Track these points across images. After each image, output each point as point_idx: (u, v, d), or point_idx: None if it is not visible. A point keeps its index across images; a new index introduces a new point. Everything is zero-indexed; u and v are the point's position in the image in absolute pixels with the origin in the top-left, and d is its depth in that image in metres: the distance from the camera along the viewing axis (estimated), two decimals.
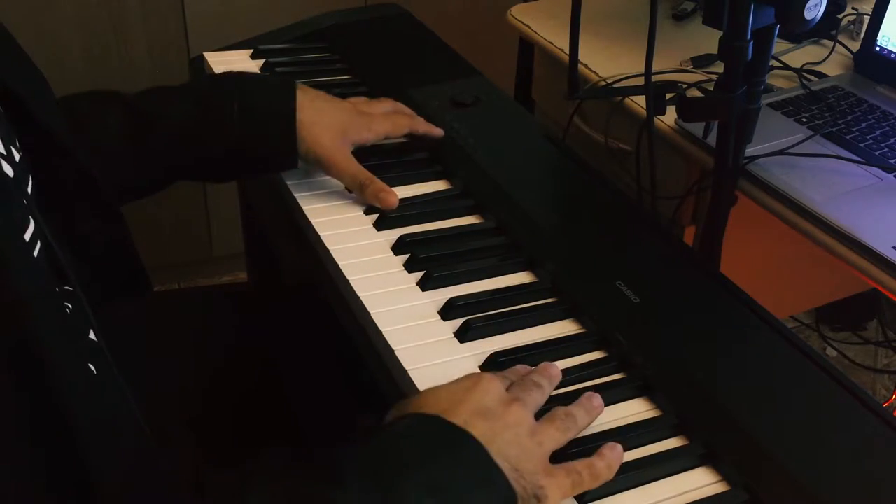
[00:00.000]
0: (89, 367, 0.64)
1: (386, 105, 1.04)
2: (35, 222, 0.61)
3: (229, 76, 1.00)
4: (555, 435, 0.66)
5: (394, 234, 0.92)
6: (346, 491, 0.56)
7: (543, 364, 0.74)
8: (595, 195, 1.02)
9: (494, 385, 0.67)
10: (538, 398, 0.69)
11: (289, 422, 0.93)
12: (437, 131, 1.05)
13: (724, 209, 0.99)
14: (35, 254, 0.60)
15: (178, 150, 0.93)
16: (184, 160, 0.94)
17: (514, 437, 0.63)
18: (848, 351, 1.84)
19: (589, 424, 0.71)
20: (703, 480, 0.69)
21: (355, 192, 0.95)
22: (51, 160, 0.75)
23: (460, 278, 0.86)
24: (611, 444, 0.68)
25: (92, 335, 0.68)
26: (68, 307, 0.65)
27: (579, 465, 0.66)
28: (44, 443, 0.55)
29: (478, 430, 0.62)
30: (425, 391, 0.69)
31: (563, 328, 0.83)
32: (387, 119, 1.00)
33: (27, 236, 0.59)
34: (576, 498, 0.66)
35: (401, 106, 1.06)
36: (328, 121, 0.94)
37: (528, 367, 0.74)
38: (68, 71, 1.81)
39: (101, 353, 0.68)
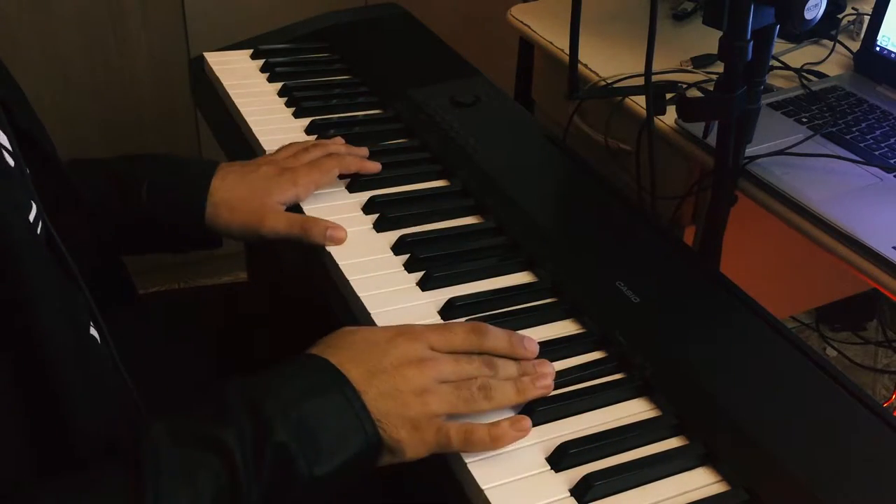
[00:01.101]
0: (92, 363, 0.65)
1: (315, 152, 0.97)
2: (36, 206, 0.63)
3: (153, 157, 0.99)
4: (450, 400, 0.69)
5: (394, 235, 0.92)
6: (227, 428, 0.61)
7: (518, 338, 0.75)
8: (595, 195, 1.02)
9: (406, 346, 0.70)
10: (467, 369, 0.71)
11: None
12: (372, 167, 1.00)
13: (724, 209, 0.99)
14: (38, 233, 0.63)
15: (91, 224, 0.89)
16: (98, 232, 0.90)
17: (391, 390, 0.67)
18: (848, 351, 1.84)
19: (522, 401, 0.72)
20: (703, 480, 0.69)
21: (304, 239, 0.90)
22: (35, 168, 0.75)
23: (460, 278, 0.86)
24: (513, 419, 0.69)
25: (94, 333, 0.68)
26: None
27: (455, 428, 0.68)
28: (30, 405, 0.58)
29: (353, 374, 0.67)
30: (344, 330, 0.72)
31: (563, 328, 0.83)
32: (312, 168, 0.95)
33: (31, 216, 0.62)
34: (575, 497, 0.66)
35: (335, 146, 1.00)
36: (242, 195, 0.92)
37: (498, 334, 0.74)
38: (68, 71, 1.81)
39: (105, 349, 0.69)
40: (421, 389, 0.68)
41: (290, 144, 1.00)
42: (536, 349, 0.76)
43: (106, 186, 0.92)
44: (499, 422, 0.69)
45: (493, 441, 0.68)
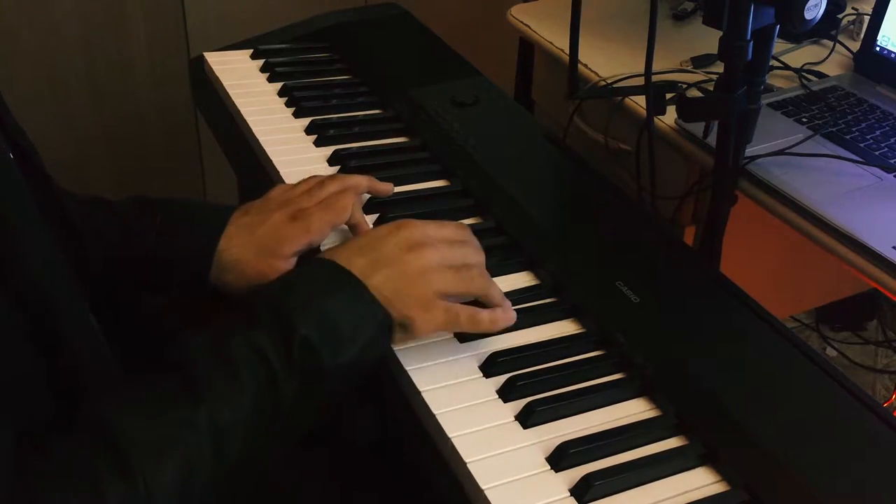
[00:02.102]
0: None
1: (329, 188, 0.90)
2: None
3: (163, 202, 0.93)
4: (451, 279, 0.76)
5: None
6: (259, 331, 0.68)
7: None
8: (595, 195, 1.02)
9: (404, 233, 0.77)
10: (462, 251, 0.79)
11: None
12: (384, 188, 0.96)
13: (724, 209, 0.99)
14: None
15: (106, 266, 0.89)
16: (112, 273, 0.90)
17: (396, 273, 0.74)
18: (848, 351, 1.84)
19: (497, 303, 0.79)
20: (703, 480, 0.69)
21: None
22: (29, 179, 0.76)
23: None
24: (508, 306, 0.79)
25: (93, 320, 0.69)
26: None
27: (463, 308, 0.76)
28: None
29: (356, 266, 0.73)
30: (348, 240, 0.79)
31: (563, 328, 0.83)
32: (327, 209, 0.88)
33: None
34: (575, 497, 0.66)
35: (351, 182, 0.92)
36: (250, 257, 0.86)
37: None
38: (68, 71, 1.81)
39: (100, 342, 0.70)
40: (423, 269, 0.75)
41: (310, 178, 0.92)
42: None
43: (112, 231, 0.89)
44: (493, 308, 0.78)
45: (492, 324, 0.77)
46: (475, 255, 0.80)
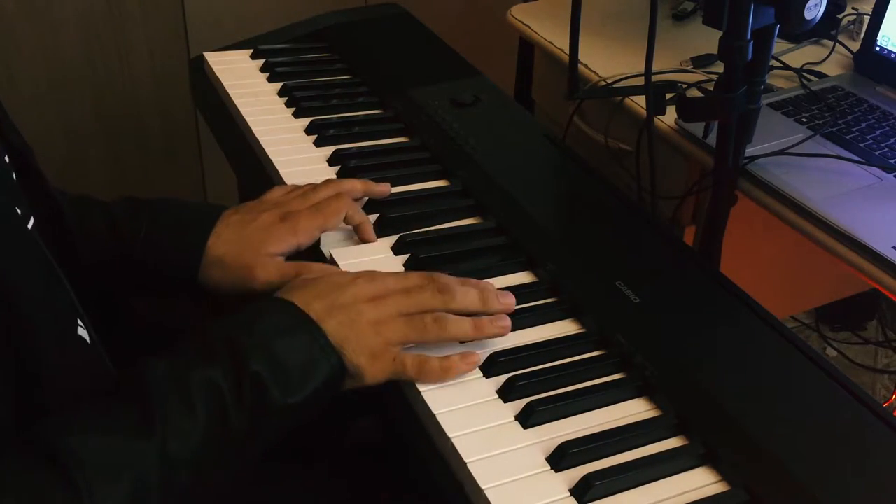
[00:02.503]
0: (80, 363, 0.68)
1: (322, 192, 0.91)
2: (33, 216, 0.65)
3: (154, 202, 0.93)
4: (403, 329, 0.75)
5: (394, 235, 0.92)
6: (214, 365, 0.68)
7: (475, 282, 0.80)
8: (595, 195, 1.02)
9: (363, 285, 0.77)
10: (420, 298, 0.77)
11: None
12: (381, 189, 0.96)
13: (724, 209, 0.99)
14: (28, 227, 0.67)
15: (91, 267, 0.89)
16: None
17: (350, 321, 0.74)
18: (848, 351, 1.84)
19: (479, 336, 0.78)
20: (703, 480, 0.69)
21: None
22: (22, 180, 0.76)
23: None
24: (463, 354, 0.76)
25: (83, 333, 0.69)
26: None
27: (410, 357, 0.75)
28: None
29: (313, 309, 0.74)
30: (309, 282, 0.78)
31: (563, 328, 0.83)
32: (316, 213, 0.89)
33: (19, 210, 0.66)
34: (575, 497, 0.66)
35: (345, 186, 0.93)
36: (234, 252, 0.87)
37: (449, 277, 0.80)
38: (68, 71, 1.81)
39: (95, 349, 0.69)
40: (375, 321, 0.75)
41: (307, 185, 0.94)
42: (512, 302, 0.81)
43: (101, 231, 0.89)
44: (449, 355, 0.75)
45: (444, 371, 0.75)
46: (432, 297, 0.77)
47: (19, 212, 0.66)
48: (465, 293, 0.78)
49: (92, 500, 0.59)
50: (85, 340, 0.69)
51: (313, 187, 0.93)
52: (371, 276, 0.79)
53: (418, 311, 0.77)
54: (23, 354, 0.62)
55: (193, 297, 0.91)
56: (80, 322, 0.69)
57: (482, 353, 0.78)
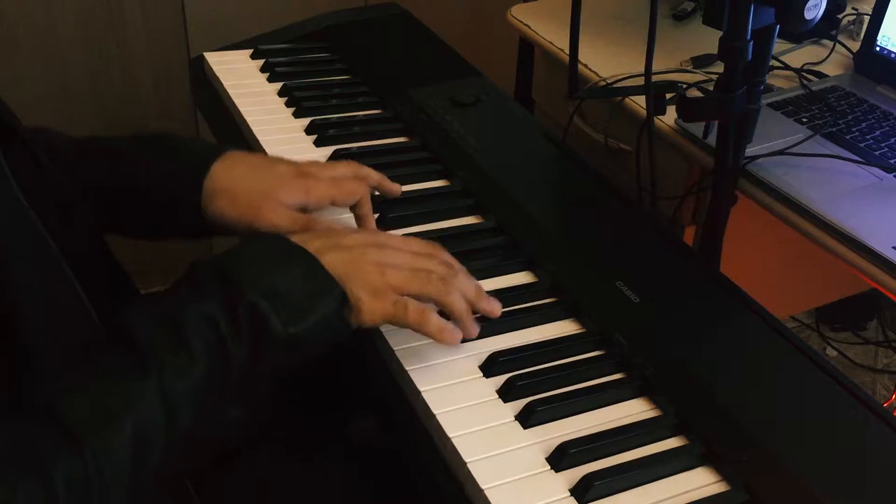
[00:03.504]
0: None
1: (341, 169, 0.92)
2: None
3: (159, 135, 0.96)
4: (406, 277, 0.74)
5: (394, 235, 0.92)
6: (207, 299, 0.67)
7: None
8: (595, 195, 1.02)
9: (369, 233, 0.77)
10: (423, 261, 0.76)
11: (285, 419, 0.93)
12: (394, 188, 0.96)
13: (724, 209, 0.99)
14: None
15: (92, 205, 0.90)
16: (97, 214, 0.90)
17: (353, 257, 0.73)
18: (848, 351, 1.84)
19: (472, 300, 0.78)
20: (703, 480, 0.69)
21: None
22: (13, 159, 0.76)
23: None
24: (468, 325, 0.77)
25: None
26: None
27: (413, 303, 0.73)
28: None
29: (312, 245, 0.72)
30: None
31: (563, 328, 0.83)
32: (332, 184, 0.89)
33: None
34: (575, 497, 0.66)
35: (364, 172, 0.93)
36: (247, 186, 0.87)
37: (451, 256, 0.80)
38: (68, 71, 1.81)
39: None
40: (379, 262, 0.74)
41: (319, 163, 0.94)
42: (498, 309, 0.81)
43: (104, 162, 0.91)
44: (449, 321, 0.75)
45: (440, 331, 0.74)
46: (438, 265, 0.77)
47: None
48: (466, 278, 0.78)
49: (94, 453, 0.59)
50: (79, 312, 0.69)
51: (333, 162, 0.96)
52: (375, 231, 0.79)
53: (421, 268, 0.76)
54: (12, 322, 0.62)
55: (196, 232, 0.91)
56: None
57: (482, 353, 0.78)
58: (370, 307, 0.72)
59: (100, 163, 0.91)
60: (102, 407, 0.61)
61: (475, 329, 0.78)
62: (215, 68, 1.21)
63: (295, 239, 0.73)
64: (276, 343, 0.67)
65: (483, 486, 0.66)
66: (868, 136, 1.10)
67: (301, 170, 0.90)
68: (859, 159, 1.06)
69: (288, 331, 0.67)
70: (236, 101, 1.15)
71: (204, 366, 0.64)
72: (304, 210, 0.88)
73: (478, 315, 0.80)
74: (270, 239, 0.74)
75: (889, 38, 1.21)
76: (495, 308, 0.80)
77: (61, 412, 0.60)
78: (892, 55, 1.21)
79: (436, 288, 0.75)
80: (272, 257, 0.71)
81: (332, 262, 0.71)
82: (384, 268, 0.73)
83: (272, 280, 0.68)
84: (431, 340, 0.76)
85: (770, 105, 1.16)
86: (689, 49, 1.30)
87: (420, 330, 0.74)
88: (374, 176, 0.94)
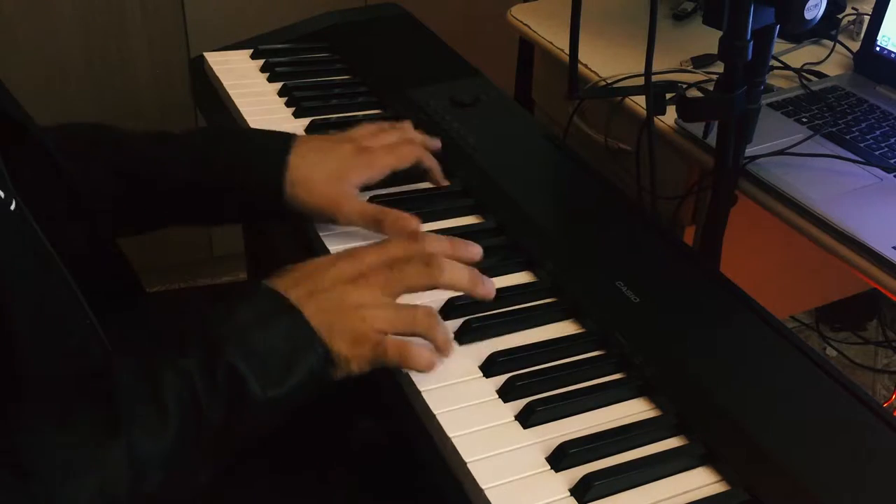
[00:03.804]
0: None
1: (391, 136, 0.98)
2: (15, 199, 0.65)
3: (228, 129, 1.02)
4: (390, 319, 0.72)
5: None
6: (187, 356, 0.65)
7: (461, 242, 0.78)
8: (595, 195, 1.02)
9: (343, 265, 0.73)
10: (410, 277, 0.73)
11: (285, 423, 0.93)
12: (441, 178, 1.00)
13: (724, 209, 0.99)
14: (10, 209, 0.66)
15: (162, 197, 0.93)
16: (166, 207, 0.95)
17: (329, 306, 0.70)
18: (848, 351, 1.84)
19: (471, 289, 0.76)
20: (703, 480, 0.69)
21: (375, 230, 0.91)
22: (23, 155, 0.76)
23: None
24: (445, 349, 0.74)
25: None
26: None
27: (393, 342, 0.71)
28: None
29: (294, 294, 0.70)
30: (290, 269, 0.75)
31: (563, 328, 0.83)
32: (390, 152, 0.95)
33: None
34: (575, 497, 0.66)
35: (410, 134, 1.00)
36: (321, 173, 0.91)
37: (437, 237, 0.78)
38: (68, 71, 1.81)
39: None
40: (357, 305, 0.71)
41: (367, 125, 1.00)
42: (479, 252, 0.79)
43: (183, 159, 0.93)
44: (421, 348, 0.73)
45: (428, 365, 0.72)
46: (420, 276, 0.74)
47: (2, 195, 0.66)
48: (453, 270, 0.75)
49: (53, 501, 0.58)
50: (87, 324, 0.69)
51: (381, 129, 0.99)
52: (351, 253, 0.75)
53: (404, 290, 0.74)
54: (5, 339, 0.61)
55: (273, 219, 0.95)
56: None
57: (482, 353, 0.78)
58: (352, 357, 0.70)
59: (178, 157, 0.94)
60: (68, 457, 0.60)
61: (487, 287, 0.77)
62: (215, 68, 1.21)
63: (278, 287, 0.71)
64: (255, 406, 0.66)
65: (483, 486, 0.66)
66: (868, 136, 1.10)
67: (359, 145, 0.95)
68: (859, 159, 1.06)
69: (267, 394, 0.66)
70: (236, 101, 1.15)
71: (177, 426, 0.63)
72: (369, 183, 0.93)
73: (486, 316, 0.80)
74: (256, 292, 0.71)
75: (889, 38, 1.21)
76: (489, 290, 0.78)
77: (24, 463, 0.59)
78: (892, 55, 1.21)
79: (423, 325, 0.73)
80: (256, 313, 0.69)
81: (314, 313, 0.70)
82: (364, 311, 0.71)
83: (254, 339, 0.67)
84: (428, 342, 0.76)
85: (770, 105, 1.16)
86: (689, 49, 1.30)
87: (406, 367, 0.72)
88: (419, 136, 1.00)
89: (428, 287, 0.75)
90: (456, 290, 0.77)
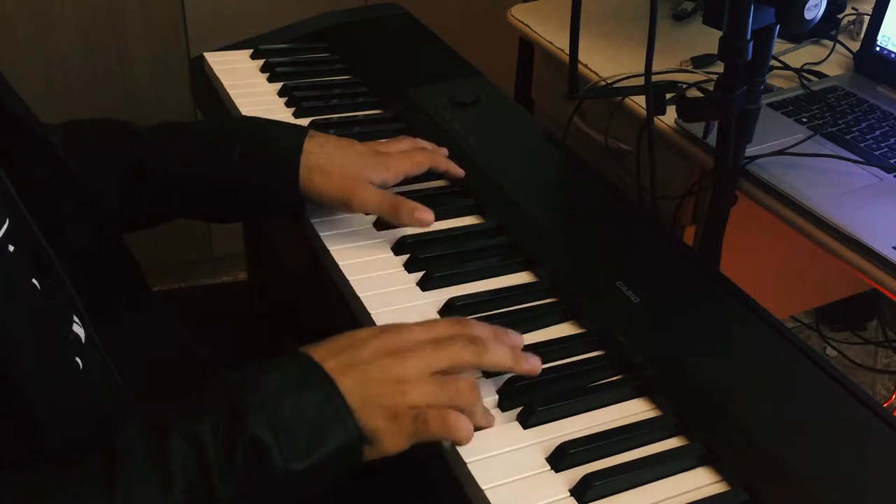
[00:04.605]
0: (74, 361, 0.64)
1: (403, 144, 1.00)
2: (10, 219, 0.62)
3: (242, 119, 1.02)
4: (433, 392, 0.67)
5: (394, 235, 0.92)
6: (203, 421, 0.61)
7: (502, 330, 0.74)
8: (595, 195, 1.02)
9: (386, 338, 0.69)
10: (455, 354, 0.69)
11: None
12: (458, 170, 1.01)
13: (724, 209, 0.99)
14: (9, 250, 0.62)
15: (176, 190, 0.93)
16: (181, 199, 0.94)
17: (367, 379, 0.66)
18: (848, 351, 1.84)
19: (516, 368, 0.72)
20: (703, 480, 0.69)
21: (392, 219, 0.91)
22: (28, 155, 0.75)
23: (460, 278, 0.86)
24: (481, 420, 0.70)
25: (78, 330, 0.68)
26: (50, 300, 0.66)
27: (434, 414, 0.66)
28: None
29: (329, 364, 0.66)
30: (327, 340, 0.70)
31: (563, 328, 0.83)
32: (405, 158, 0.96)
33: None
34: (575, 497, 0.66)
35: (420, 142, 1.02)
36: (339, 162, 0.92)
37: (482, 324, 0.74)
38: (68, 71, 1.81)
39: (92, 347, 0.68)
40: (399, 379, 0.67)
41: (380, 141, 1.01)
42: (522, 341, 0.76)
43: (197, 151, 0.94)
44: (455, 416, 0.67)
45: (469, 436, 0.68)
46: (465, 352, 0.70)
47: (7, 222, 0.63)
48: (497, 349, 0.72)
49: None
50: (79, 337, 0.68)
51: (394, 139, 1.02)
52: (396, 328, 0.71)
53: (449, 367, 0.69)
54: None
55: (288, 210, 0.95)
56: (75, 318, 0.68)
57: None
58: (389, 434, 0.66)
59: (192, 150, 0.94)
60: None
61: (532, 363, 0.74)
62: (215, 68, 1.21)
63: (315, 356, 0.67)
64: (273, 481, 0.61)
65: (483, 487, 0.66)
66: (868, 136, 1.10)
67: (375, 149, 0.96)
68: (859, 159, 1.06)
69: (289, 467, 0.61)
70: (236, 101, 1.15)
71: (179, 497, 0.59)
72: (383, 186, 0.93)
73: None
74: (289, 359, 0.67)
75: (889, 38, 1.21)
76: (535, 366, 0.74)
77: None
78: (892, 55, 1.21)
79: (466, 398, 0.68)
80: (289, 382, 0.65)
81: (349, 387, 0.65)
82: (404, 385, 0.66)
83: (281, 406, 0.62)
84: None
85: (770, 105, 1.16)
86: (689, 49, 1.30)
87: (449, 439, 0.67)
88: (429, 145, 1.02)
89: (472, 366, 0.71)
90: (500, 369, 0.73)
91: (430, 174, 1.02)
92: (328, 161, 0.91)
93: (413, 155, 0.97)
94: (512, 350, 0.73)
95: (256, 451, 0.61)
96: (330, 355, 0.67)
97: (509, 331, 0.75)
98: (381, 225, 0.94)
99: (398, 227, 0.92)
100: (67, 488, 0.58)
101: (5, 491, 0.58)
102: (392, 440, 0.66)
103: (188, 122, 0.99)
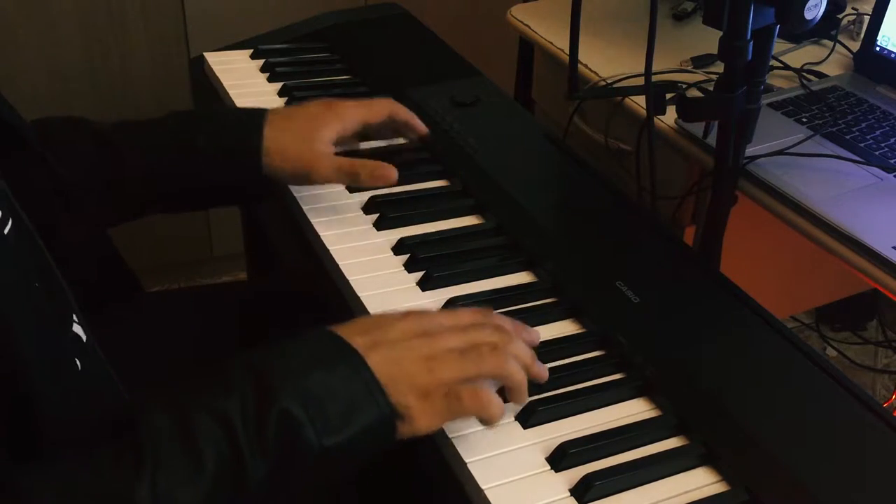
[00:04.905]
0: (74, 362, 0.64)
1: (366, 100, 1.00)
2: (12, 218, 0.62)
3: (204, 115, 1.01)
4: (458, 365, 0.67)
5: (394, 235, 0.92)
6: (230, 397, 0.60)
7: (522, 325, 0.75)
8: (595, 195, 1.02)
9: (413, 320, 0.69)
10: (475, 336, 0.69)
11: None
12: (421, 126, 1.01)
13: (724, 209, 0.99)
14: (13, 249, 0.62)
15: (145, 184, 0.93)
16: (150, 194, 0.94)
17: (398, 356, 0.65)
18: (848, 351, 1.84)
19: (528, 367, 0.71)
20: (703, 480, 0.69)
21: (352, 184, 0.93)
22: (18, 161, 0.75)
23: (460, 278, 0.86)
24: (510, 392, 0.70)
25: (78, 330, 0.68)
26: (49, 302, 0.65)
27: (467, 390, 0.66)
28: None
29: (356, 342, 0.65)
30: (354, 320, 0.70)
31: (563, 328, 0.83)
32: (360, 105, 0.96)
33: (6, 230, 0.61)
34: (575, 497, 0.66)
35: (383, 99, 1.02)
36: (291, 136, 0.92)
37: (504, 316, 0.74)
38: (68, 71, 1.81)
39: (90, 348, 0.68)
40: (427, 357, 0.66)
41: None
42: (538, 339, 0.76)
43: (162, 144, 0.93)
44: (491, 395, 0.67)
45: (502, 412, 0.67)
46: (491, 334, 0.71)
47: (11, 221, 0.63)
48: (519, 343, 0.71)
49: None
50: (80, 337, 0.68)
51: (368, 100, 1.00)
52: (422, 313, 0.71)
53: (472, 344, 0.69)
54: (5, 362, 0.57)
55: (256, 194, 0.96)
56: (75, 318, 0.68)
57: None
58: (422, 412, 0.65)
59: (157, 144, 0.93)
60: None
61: (544, 371, 0.74)
62: (215, 68, 1.21)
63: (342, 333, 0.66)
64: (305, 458, 0.60)
65: (483, 486, 0.66)
66: (868, 136, 1.10)
67: (329, 102, 0.96)
68: (859, 159, 1.06)
69: (322, 443, 0.60)
70: (236, 101, 1.15)
71: (212, 478, 0.57)
72: (343, 137, 0.93)
73: None
74: (316, 335, 0.67)
75: (889, 38, 1.21)
76: (543, 373, 0.73)
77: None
78: (892, 55, 1.21)
79: (490, 365, 0.68)
80: (317, 357, 0.64)
81: (378, 363, 0.64)
82: (432, 362, 0.66)
83: (312, 381, 0.62)
84: None
85: (770, 105, 1.16)
86: (689, 49, 1.30)
87: (482, 415, 0.67)
88: (404, 109, 1.00)
89: (499, 348, 0.70)
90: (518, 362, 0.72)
91: (429, 174, 1.03)
92: (282, 138, 0.91)
93: (371, 103, 0.97)
94: (531, 354, 0.72)
95: (288, 426, 0.59)
96: (357, 333, 0.66)
97: (527, 326, 0.76)
98: (352, 188, 0.94)
99: (366, 189, 0.93)
100: (95, 476, 0.57)
101: (35, 479, 0.57)
102: (425, 418, 0.65)
103: (146, 120, 0.97)
